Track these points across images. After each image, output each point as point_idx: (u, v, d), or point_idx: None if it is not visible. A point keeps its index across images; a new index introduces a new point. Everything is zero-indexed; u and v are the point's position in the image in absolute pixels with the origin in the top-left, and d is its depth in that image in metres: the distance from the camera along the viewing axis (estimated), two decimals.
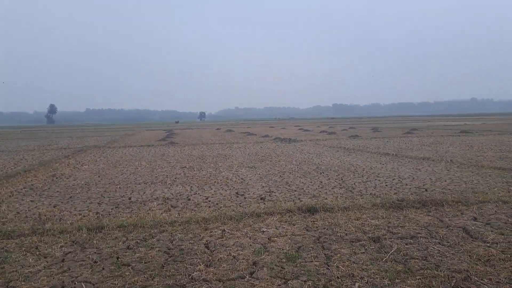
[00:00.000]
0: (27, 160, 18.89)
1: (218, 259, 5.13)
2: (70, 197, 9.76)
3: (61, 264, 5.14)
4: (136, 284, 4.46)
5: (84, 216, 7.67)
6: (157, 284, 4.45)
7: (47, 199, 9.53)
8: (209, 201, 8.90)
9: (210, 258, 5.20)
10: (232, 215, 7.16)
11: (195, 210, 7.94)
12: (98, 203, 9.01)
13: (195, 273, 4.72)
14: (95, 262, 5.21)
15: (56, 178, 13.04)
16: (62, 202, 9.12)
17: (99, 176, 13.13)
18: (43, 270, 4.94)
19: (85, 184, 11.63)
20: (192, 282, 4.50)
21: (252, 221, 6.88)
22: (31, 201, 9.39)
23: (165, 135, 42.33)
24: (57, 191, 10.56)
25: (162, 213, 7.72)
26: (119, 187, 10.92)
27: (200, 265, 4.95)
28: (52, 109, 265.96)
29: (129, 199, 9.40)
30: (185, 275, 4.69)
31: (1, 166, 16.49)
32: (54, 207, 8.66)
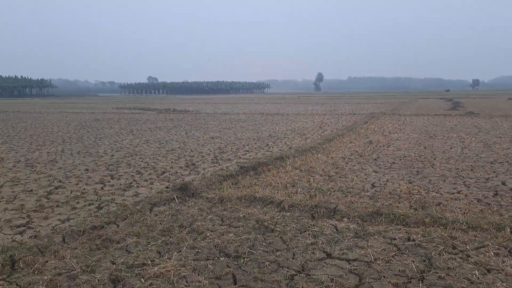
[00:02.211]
0: (329, 125, 19.11)
1: None
2: (417, 172, 8.14)
3: None
4: None
5: (471, 204, 5.74)
6: None
7: (391, 172, 8.21)
8: None
9: None
10: None
11: None
12: (485, 188, 6.97)
13: None
14: None
15: (374, 145, 11.91)
16: (415, 179, 7.56)
17: (425, 148, 11.22)
18: None
19: (419, 156, 9.89)
20: None
21: None
22: (374, 171, 8.27)
23: (450, 105, 37.41)
24: (393, 163, 9.20)
25: None
26: (474, 167, 8.61)
27: None
28: (320, 77, 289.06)
29: None
30: None
31: (310, 129, 17.02)
32: (410, 183, 7.17)
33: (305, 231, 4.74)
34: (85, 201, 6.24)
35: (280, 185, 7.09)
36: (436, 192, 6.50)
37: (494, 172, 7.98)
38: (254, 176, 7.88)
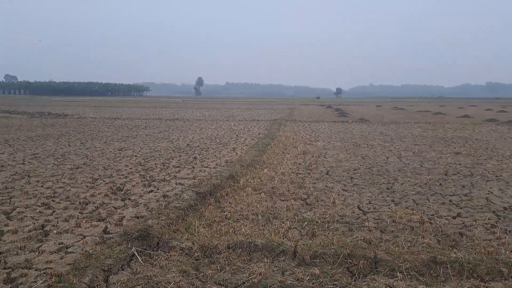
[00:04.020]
0: (243, 132, 17.95)
1: None
2: (388, 189, 7.38)
3: None
4: None
5: None
6: None
7: (360, 189, 7.30)
8: None
9: None
10: None
11: None
12: None
13: None
14: None
15: (311, 156, 11.05)
16: (396, 198, 6.75)
17: (362, 158, 10.72)
18: None
19: (369, 169, 9.27)
20: None
21: None
22: (343, 190, 7.26)
23: (335, 112, 39.68)
24: (350, 177, 8.37)
25: None
26: (439, 180, 8.23)
27: None
28: (200, 81, 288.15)
29: None
30: None
31: (227, 137, 15.60)
32: (396, 205, 6.32)
33: None
34: None
35: (259, 217, 5.55)
36: (439, 217, 5.71)
37: (471, 184, 7.66)
38: (216, 205, 6.16)
